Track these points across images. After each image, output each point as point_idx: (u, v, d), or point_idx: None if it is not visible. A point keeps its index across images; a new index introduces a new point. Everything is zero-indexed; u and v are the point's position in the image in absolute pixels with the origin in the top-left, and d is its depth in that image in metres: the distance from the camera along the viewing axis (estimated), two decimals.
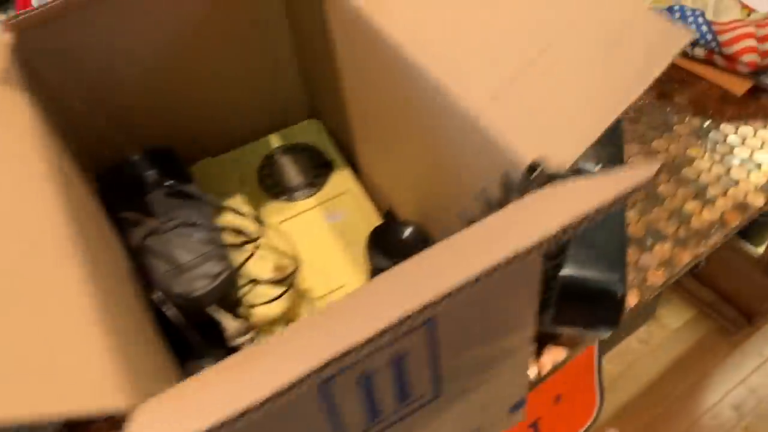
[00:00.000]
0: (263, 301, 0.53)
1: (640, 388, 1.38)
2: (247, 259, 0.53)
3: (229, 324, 0.50)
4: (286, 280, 0.55)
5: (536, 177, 0.34)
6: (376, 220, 0.62)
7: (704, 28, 0.75)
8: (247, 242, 0.54)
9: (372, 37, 0.45)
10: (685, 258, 0.63)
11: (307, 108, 0.69)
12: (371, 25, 0.45)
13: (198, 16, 0.58)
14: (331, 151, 0.67)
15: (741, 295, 1.43)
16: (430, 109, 0.43)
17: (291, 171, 0.65)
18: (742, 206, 0.66)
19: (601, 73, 0.35)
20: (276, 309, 0.54)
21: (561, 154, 0.35)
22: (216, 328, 0.52)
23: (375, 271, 0.54)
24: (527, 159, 0.36)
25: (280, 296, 0.54)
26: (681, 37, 0.33)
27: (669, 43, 0.34)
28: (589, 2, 0.37)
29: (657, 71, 0.34)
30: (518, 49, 0.38)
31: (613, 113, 0.34)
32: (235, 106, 0.66)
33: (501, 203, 0.37)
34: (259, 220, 0.56)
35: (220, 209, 0.57)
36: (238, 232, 0.56)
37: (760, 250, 1.32)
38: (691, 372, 1.40)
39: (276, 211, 0.63)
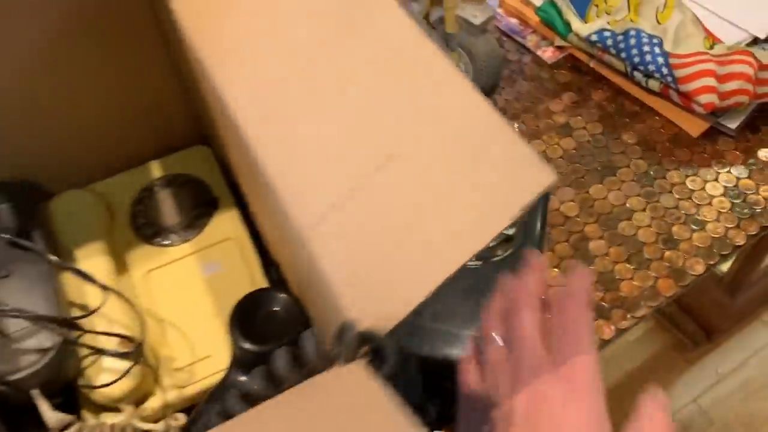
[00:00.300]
0: (104, 383, 0.46)
1: None
2: (81, 335, 0.46)
3: (50, 416, 0.43)
4: (133, 353, 0.47)
5: (347, 343, 0.26)
6: (259, 277, 0.54)
7: (660, 59, 0.66)
8: (82, 316, 0.47)
9: (227, 116, 0.37)
10: (606, 333, 0.56)
11: (196, 132, 0.61)
12: (224, 102, 0.37)
13: (57, 34, 0.49)
14: (219, 185, 0.58)
15: (702, 310, 1.37)
16: (273, 211, 0.36)
17: (168, 208, 0.57)
18: (678, 273, 0.59)
19: (447, 204, 0.27)
20: (121, 387, 0.47)
21: (385, 309, 0.27)
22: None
23: (238, 352, 0.47)
24: (347, 308, 0.28)
25: (124, 375, 0.47)
26: (543, 179, 0.26)
27: (528, 182, 0.26)
28: (452, 111, 0.29)
29: (511, 214, 0.26)
30: (362, 155, 0.30)
31: (453, 263, 0.26)
32: (107, 128, 0.57)
33: (311, 370, 0.29)
34: (104, 285, 0.48)
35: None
36: (79, 296, 0.48)
37: (724, 268, 1.25)
38: (643, 387, 1.35)
39: (145, 258, 0.55)
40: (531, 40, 0.78)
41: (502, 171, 0.27)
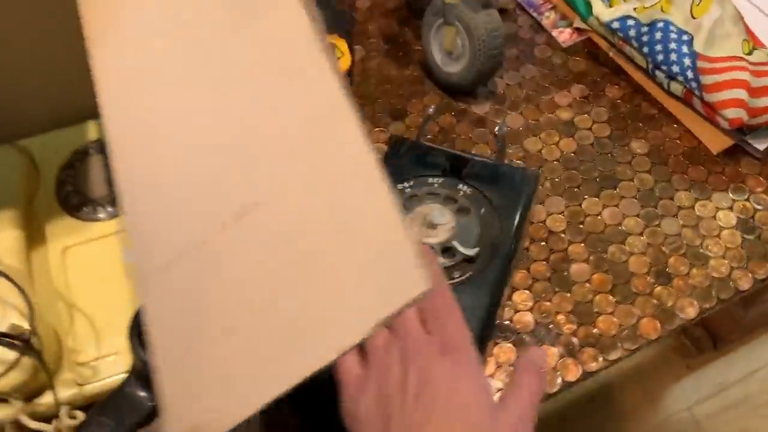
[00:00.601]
0: None
1: (582, 397, 1.27)
2: None
3: None
4: (21, 345, 0.42)
5: None
6: None
7: (687, 60, 0.57)
8: None
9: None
10: (570, 374, 0.50)
11: None
12: (97, 91, 0.30)
13: None
14: None
15: (712, 317, 1.28)
16: None
17: (99, 176, 0.51)
18: (666, 314, 0.52)
19: (298, 291, 0.21)
20: (8, 381, 0.42)
21: (208, 412, 0.21)
22: None
23: (138, 363, 0.41)
24: (166, 400, 0.22)
25: (10, 368, 0.42)
26: (413, 287, 0.19)
27: (395, 288, 0.19)
28: (333, 161, 0.22)
29: (365, 327, 0.19)
30: (225, 195, 0.23)
31: (290, 374, 0.20)
32: (42, 79, 0.51)
33: None
34: None
35: None
36: None
37: None
38: (639, 389, 1.29)
39: (66, 231, 0.49)
40: (548, 18, 0.69)
41: (369, 263, 0.20)
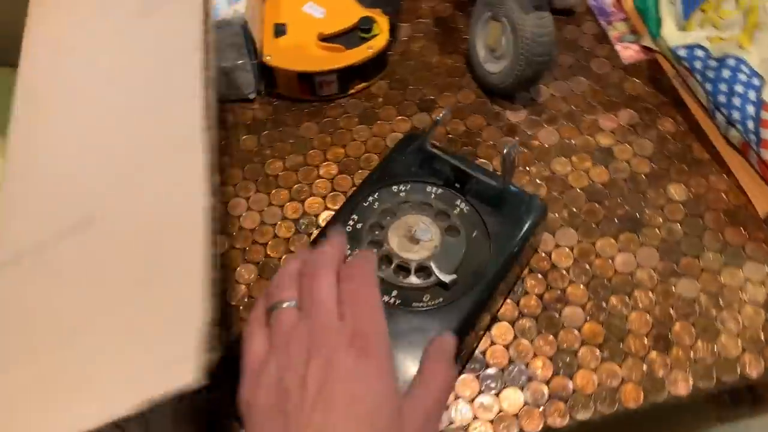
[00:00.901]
0: None
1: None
2: None
3: None
4: None
5: None
6: None
7: (750, 109, 0.50)
8: None
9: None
10: (531, 425, 0.46)
11: None
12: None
13: None
14: None
15: None
16: None
17: None
18: (654, 385, 0.47)
19: (95, 338, 0.19)
20: None
21: None
22: None
23: None
24: None
25: None
26: (184, 377, 0.16)
27: (173, 370, 0.16)
28: (170, 197, 0.19)
29: (134, 402, 0.17)
30: (75, 199, 0.21)
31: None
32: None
33: None
34: None
35: None
36: None
37: None
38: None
39: None
40: (616, 29, 0.62)
41: (160, 329, 0.17)
